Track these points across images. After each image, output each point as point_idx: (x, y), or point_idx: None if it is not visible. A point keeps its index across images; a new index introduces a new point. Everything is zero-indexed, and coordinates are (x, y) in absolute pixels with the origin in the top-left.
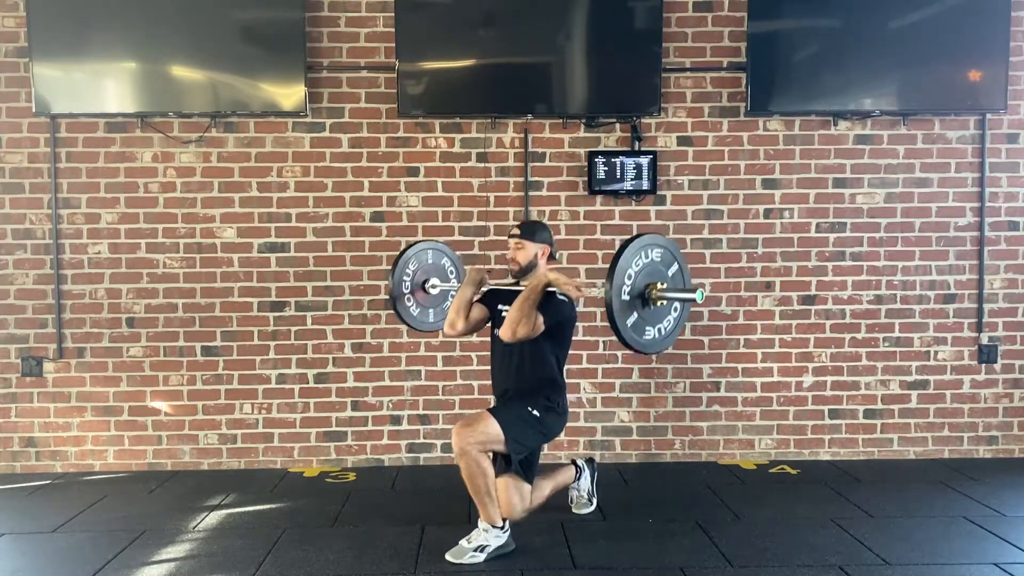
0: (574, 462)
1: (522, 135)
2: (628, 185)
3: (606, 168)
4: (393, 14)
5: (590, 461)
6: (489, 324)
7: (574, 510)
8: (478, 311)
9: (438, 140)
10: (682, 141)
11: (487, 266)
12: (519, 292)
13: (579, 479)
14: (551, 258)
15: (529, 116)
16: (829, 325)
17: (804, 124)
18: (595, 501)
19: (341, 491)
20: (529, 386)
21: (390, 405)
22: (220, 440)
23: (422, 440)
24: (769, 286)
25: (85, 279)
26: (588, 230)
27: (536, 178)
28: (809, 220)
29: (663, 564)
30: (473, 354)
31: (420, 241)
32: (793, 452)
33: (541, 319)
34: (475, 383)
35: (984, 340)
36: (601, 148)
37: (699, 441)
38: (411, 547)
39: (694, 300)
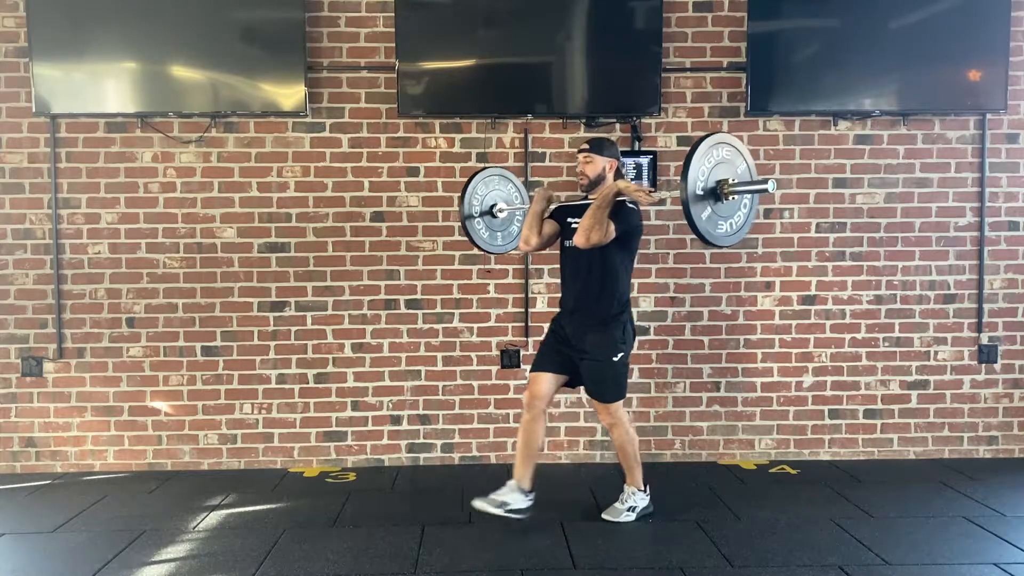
0: (647, 486)
1: (522, 135)
2: None
3: None
4: (393, 14)
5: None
6: (559, 240)
7: (605, 514)
8: (549, 226)
9: (438, 140)
10: (682, 141)
11: (487, 265)
12: (586, 206)
13: (644, 492)
14: (618, 173)
15: (529, 116)
16: (829, 325)
17: (804, 124)
18: (631, 518)
19: (341, 491)
20: (598, 296)
21: (390, 405)
22: (220, 440)
23: (422, 440)
24: (769, 286)
25: (85, 279)
26: None
27: (536, 178)
28: (809, 220)
29: (663, 564)
30: (473, 354)
31: (486, 167)
32: (793, 452)
33: (613, 226)
34: (475, 383)
35: (984, 340)
36: None
37: (699, 441)
38: (411, 547)
39: (766, 191)
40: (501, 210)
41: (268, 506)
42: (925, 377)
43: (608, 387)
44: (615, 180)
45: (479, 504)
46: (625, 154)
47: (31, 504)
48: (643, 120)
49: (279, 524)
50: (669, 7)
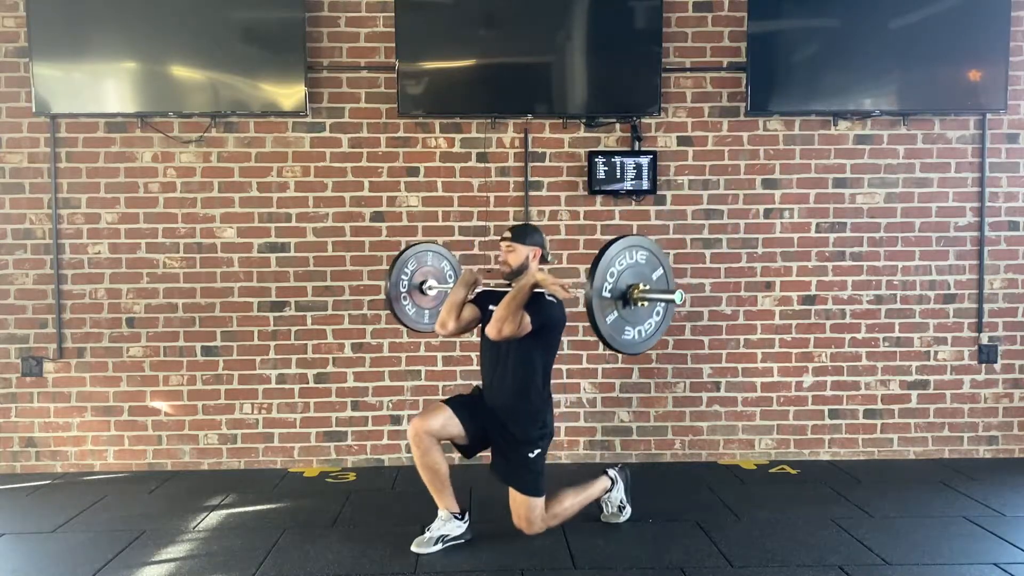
0: (606, 472)
1: (522, 135)
2: (628, 185)
3: (606, 168)
4: (393, 14)
5: (622, 469)
6: (480, 325)
7: (603, 519)
8: (470, 311)
9: (438, 140)
10: (682, 141)
11: (486, 266)
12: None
13: (611, 491)
14: (543, 260)
15: (529, 116)
16: (829, 325)
17: (804, 124)
18: (627, 511)
19: (341, 491)
20: (515, 390)
21: (390, 405)
22: (220, 440)
23: None
24: (769, 286)
25: (85, 279)
26: (588, 230)
27: (536, 178)
28: (809, 220)
29: (663, 564)
30: (473, 354)
31: (420, 243)
32: (793, 452)
33: (528, 319)
34: (475, 383)
35: (984, 340)
36: (601, 148)
37: (699, 441)
38: (411, 547)
39: (674, 301)
40: (431, 288)
41: (268, 506)
42: (925, 377)
43: (527, 479)
44: (538, 268)
45: (417, 548)
46: (625, 154)
47: (31, 504)
48: (643, 120)
49: (279, 524)
50: (669, 7)
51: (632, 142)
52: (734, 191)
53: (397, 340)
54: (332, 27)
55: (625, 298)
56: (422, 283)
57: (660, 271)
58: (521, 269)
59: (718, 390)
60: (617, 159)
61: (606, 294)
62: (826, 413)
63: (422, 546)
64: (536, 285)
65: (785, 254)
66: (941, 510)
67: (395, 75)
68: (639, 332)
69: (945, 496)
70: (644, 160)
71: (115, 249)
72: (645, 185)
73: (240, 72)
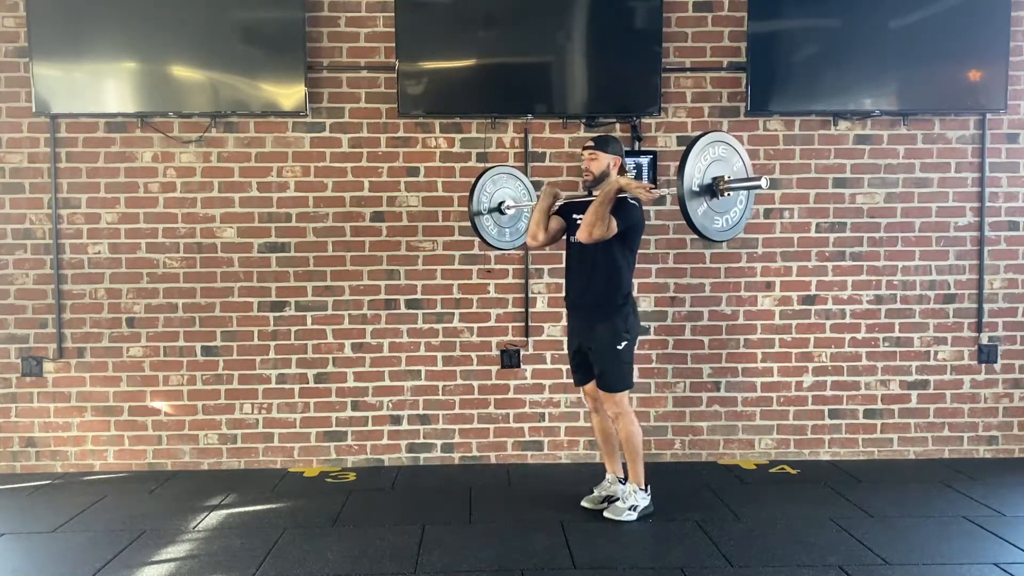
0: (649, 485)
1: (522, 135)
2: None
3: None
4: (393, 14)
5: (653, 499)
6: (565, 236)
7: (607, 513)
8: (555, 222)
9: (438, 140)
10: (682, 141)
11: (487, 266)
12: (591, 202)
13: (645, 491)
14: (622, 170)
15: (529, 116)
16: (829, 325)
17: (804, 124)
18: (632, 516)
19: (341, 491)
20: (601, 290)
21: (390, 405)
22: (220, 440)
23: (422, 440)
24: (769, 286)
25: (85, 279)
26: None
27: (536, 178)
28: (809, 220)
29: (663, 564)
30: (473, 354)
31: (494, 165)
32: (793, 452)
33: (615, 222)
34: (475, 383)
35: (984, 340)
36: None
37: (699, 441)
38: (411, 547)
39: (760, 187)
40: (509, 207)
41: (268, 506)
42: (925, 377)
43: (613, 376)
44: (618, 177)
45: (613, 515)
46: (625, 154)
47: (31, 504)
48: (643, 120)
49: (279, 524)
50: (669, 7)
51: (632, 142)
52: None
53: (397, 340)
54: (332, 27)
55: (712, 190)
56: (501, 203)
57: (739, 163)
58: (602, 176)
59: (718, 390)
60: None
61: (696, 188)
62: (826, 413)
63: (618, 514)
64: (621, 189)
65: (785, 254)
66: (941, 510)
67: (395, 75)
68: (726, 220)
69: (945, 496)
70: (644, 160)
71: (115, 249)
72: (646, 183)
73: (240, 72)
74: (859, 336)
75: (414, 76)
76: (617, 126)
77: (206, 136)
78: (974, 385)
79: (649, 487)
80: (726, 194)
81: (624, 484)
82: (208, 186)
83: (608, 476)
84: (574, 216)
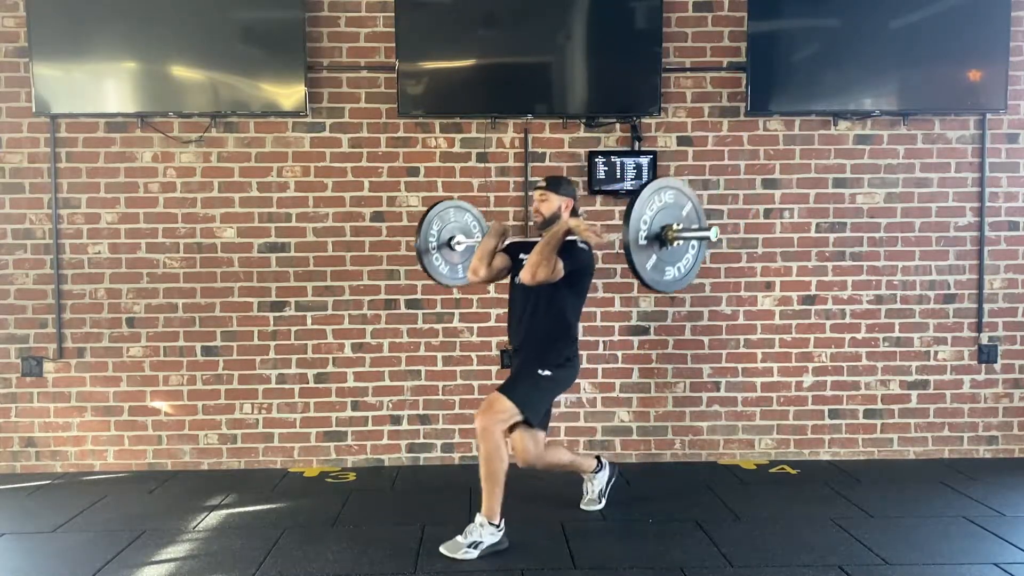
0: (598, 457)
1: (522, 135)
2: (628, 185)
3: (606, 168)
4: (393, 14)
5: (613, 465)
6: (510, 274)
7: (583, 506)
8: (500, 260)
9: (438, 140)
10: (682, 141)
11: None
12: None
13: (597, 473)
14: (574, 212)
15: (529, 116)
16: (829, 325)
17: (804, 124)
18: (604, 501)
19: (341, 491)
20: (543, 338)
21: (390, 405)
22: (220, 440)
23: (422, 440)
24: (769, 286)
25: (85, 279)
26: None
27: (536, 178)
28: (809, 220)
29: (663, 564)
30: (473, 354)
31: (441, 200)
32: (793, 452)
33: (561, 264)
34: (475, 383)
35: (984, 340)
36: (601, 148)
37: (699, 441)
38: (411, 547)
39: (708, 239)
40: (459, 243)
41: (268, 506)
42: (925, 377)
43: (520, 385)
44: (569, 219)
45: (449, 552)
46: (625, 154)
47: (31, 504)
48: (643, 120)
49: (279, 524)
50: (669, 7)
51: (632, 142)
52: (734, 191)
53: (397, 340)
54: (332, 27)
55: (661, 239)
56: (450, 239)
57: (689, 206)
58: (553, 219)
59: (718, 390)
60: (617, 159)
61: (642, 240)
62: (826, 413)
63: (455, 551)
64: (569, 231)
65: (785, 254)
66: (941, 510)
67: (395, 75)
68: (678, 269)
69: (945, 496)
70: (644, 160)
71: (115, 249)
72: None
73: (240, 72)
74: (859, 336)
75: (414, 76)
76: (617, 126)
77: (206, 136)
78: (974, 385)
79: (503, 522)
80: (676, 243)
81: (479, 520)
82: (208, 186)
83: (586, 476)
84: (521, 256)
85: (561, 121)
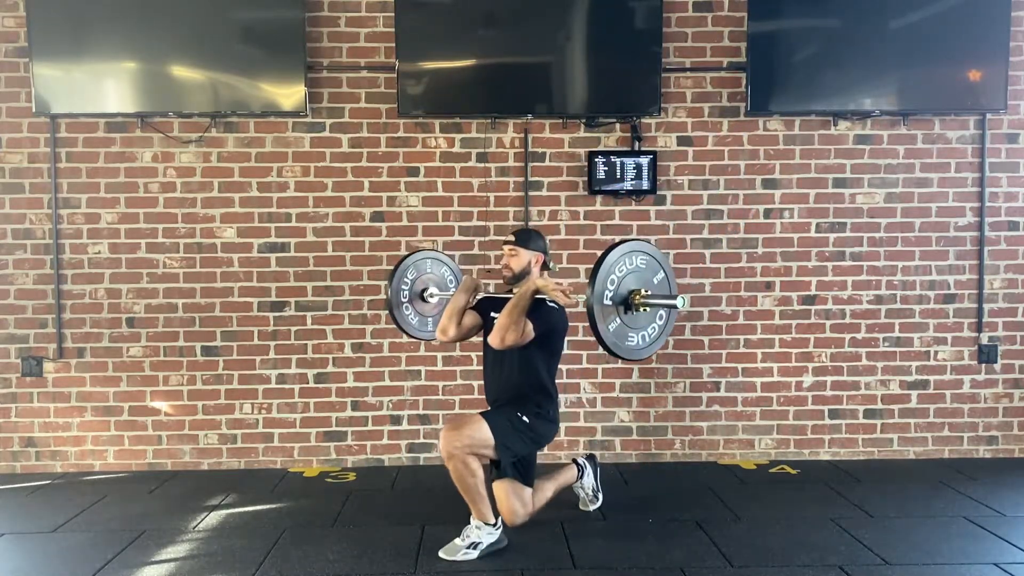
0: (575, 461)
1: (522, 135)
2: (628, 185)
3: (606, 168)
4: (393, 14)
5: (591, 458)
6: (482, 332)
7: (582, 508)
8: (471, 318)
9: (438, 140)
10: (682, 141)
11: (485, 266)
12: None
13: (582, 477)
14: (545, 267)
15: (529, 116)
16: (829, 325)
17: (804, 124)
18: (601, 496)
19: (341, 491)
20: (519, 393)
21: (390, 405)
22: (220, 440)
23: (422, 440)
24: (769, 286)
25: (85, 279)
26: (588, 230)
27: (536, 178)
28: (809, 220)
29: (663, 564)
30: (473, 354)
31: (420, 250)
32: (793, 452)
33: (531, 326)
34: (475, 383)
35: (984, 340)
36: (601, 148)
37: (699, 441)
38: (411, 547)
39: (675, 307)
40: (432, 295)
41: (268, 506)
42: (925, 377)
43: (497, 418)
44: (540, 274)
45: (448, 556)
46: (625, 154)
47: (31, 504)
48: (643, 120)
49: (279, 524)
50: (669, 7)
51: (632, 142)
52: (734, 191)
53: (397, 340)
54: (332, 27)
55: (627, 304)
56: (423, 291)
57: (661, 274)
58: (523, 274)
59: (718, 390)
60: (617, 159)
61: (607, 301)
62: (826, 413)
63: (453, 553)
64: (537, 291)
65: (785, 254)
66: (941, 510)
67: (395, 75)
68: (643, 337)
69: (945, 496)
70: (644, 160)
71: (115, 249)
72: (645, 185)
73: (240, 72)
74: (859, 336)
75: (414, 76)
76: (617, 126)
77: (206, 136)
78: (974, 385)
79: (499, 519)
80: (642, 309)
81: (475, 524)
82: (208, 186)
83: (575, 485)
84: (492, 314)
85: (561, 121)
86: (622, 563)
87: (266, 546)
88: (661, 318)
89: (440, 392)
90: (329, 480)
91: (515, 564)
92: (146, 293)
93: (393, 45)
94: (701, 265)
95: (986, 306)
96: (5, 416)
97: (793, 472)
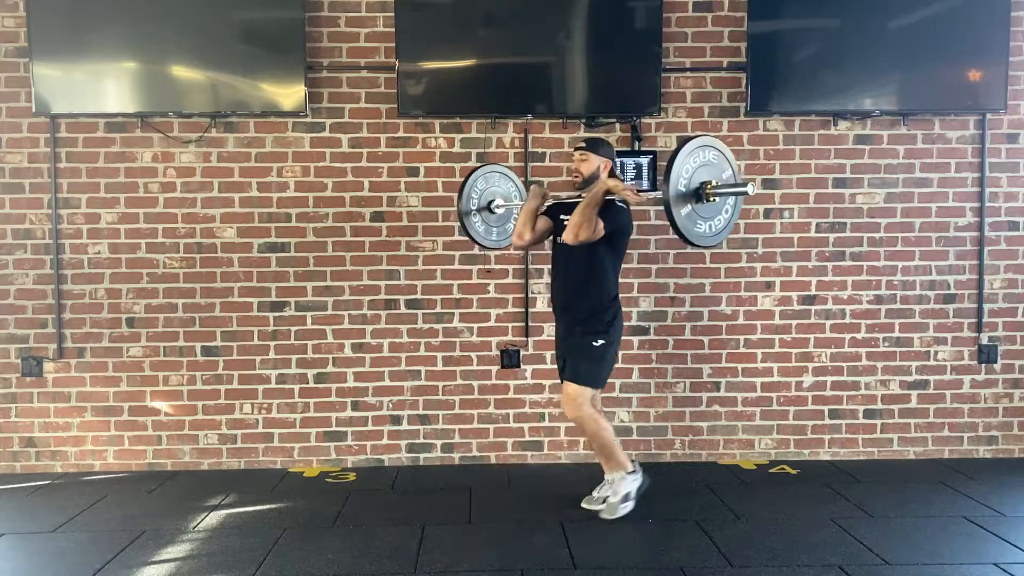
0: (634, 460)
1: (522, 135)
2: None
3: None
4: (393, 14)
5: (646, 475)
6: (552, 236)
7: (584, 505)
8: (543, 222)
9: (438, 140)
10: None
11: (487, 266)
12: (580, 202)
13: (629, 474)
14: (612, 174)
15: (529, 116)
16: (829, 325)
17: (804, 124)
18: (624, 510)
19: (341, 491)
20: (586, 294)
21: (390, 405)
22: (220, 440)
23: (422, 440)
24: (769, 286)
25: (85, 279)
26: None
27: (536, 178)
28: (809, 220)
29: (663, 564)
30: (473, 354)
31: (489, 163)
32: (793, 452)
33: (601, 224)
34: (475, 383)
35: (984, 340)
36: None
37: (699, 441)
38: (411, 547)
39: (746, 193)
40: (499, 206)
41: (268, 506)
42: (925, 377)
43: (582, 367)
44: (607, 179)
45: (610, 515)
46: (625, 154)
47: (31, 504)
48: (643, 120)
49: (279, 524)
50: (669, 7)
51: (632, 142)
52: None
53: (397, 340)
54: (332, 27)
55: (698, 195)
56: (490, 202)
57: (728, 172)
58: (592, 178)
59: (718, 390)
60: (617, 159)
61: (681, 190)
62: (826, 413)
63: (614, 512)
64: (608, 191)
65: (785, 254)
66: (941, 510)
67: (395, 75)
68: (711, 225)
69: (945, 496)
70: (644, 160)
71: (115, 249)
72: (645, 185)
73: (240, 72)
74: (859, 336)
75: (414, 76)
76: (617, 126)
77: (206, 136)
78: (974, 385)
79: (635, 463)
80: (712, 199)
81: (610, 478)
82: (208, 186)
83: (607, 476)
84: (562, 217)
85: (561, 121)
86: (622, 563)
87: (266, 546)
88: (727, 211)
89: (440, 392)
90: (329, 480)
91: (515, 564)
92: (146, 293)
93: (393, 45)
94: (701, 265)
95: (986, 306)
96: (5, 416)
97: (793, 472)
